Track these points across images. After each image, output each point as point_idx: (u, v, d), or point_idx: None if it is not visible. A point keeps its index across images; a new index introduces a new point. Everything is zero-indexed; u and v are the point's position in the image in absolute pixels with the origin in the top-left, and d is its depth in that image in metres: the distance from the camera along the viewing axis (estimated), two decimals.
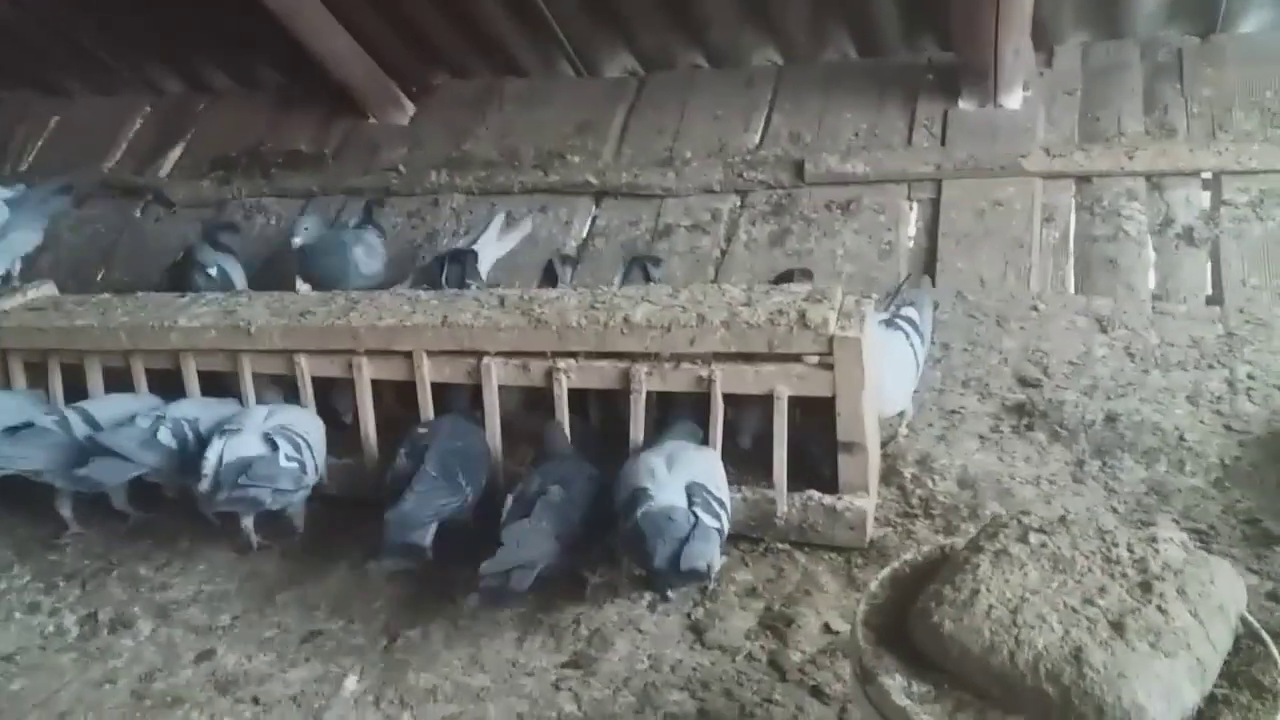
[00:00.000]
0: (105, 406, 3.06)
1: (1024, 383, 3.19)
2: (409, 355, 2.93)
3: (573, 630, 2.47)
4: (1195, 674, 1.46)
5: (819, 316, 2.56)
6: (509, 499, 2.57)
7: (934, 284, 3.66)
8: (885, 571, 1.84)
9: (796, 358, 2.60)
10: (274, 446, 2.77)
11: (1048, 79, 4.19)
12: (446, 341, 2.89)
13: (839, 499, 2.64)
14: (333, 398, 3.09)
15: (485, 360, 2.86)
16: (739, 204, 4.23)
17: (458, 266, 3.82)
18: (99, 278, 4.92)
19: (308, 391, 3.06)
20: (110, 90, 5.90)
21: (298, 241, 4.03)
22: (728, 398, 2.68)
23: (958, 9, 3.94)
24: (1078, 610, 1.54)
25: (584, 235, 4.36)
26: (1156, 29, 4.15)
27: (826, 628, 2.39)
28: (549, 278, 3.78)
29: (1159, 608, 1.52)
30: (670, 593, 2.49)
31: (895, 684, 1.59)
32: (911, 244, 3.90)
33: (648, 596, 2.54)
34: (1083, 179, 3.83)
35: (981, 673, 1.53)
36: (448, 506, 2.64)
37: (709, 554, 2.32)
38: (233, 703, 2.40)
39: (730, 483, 2.66)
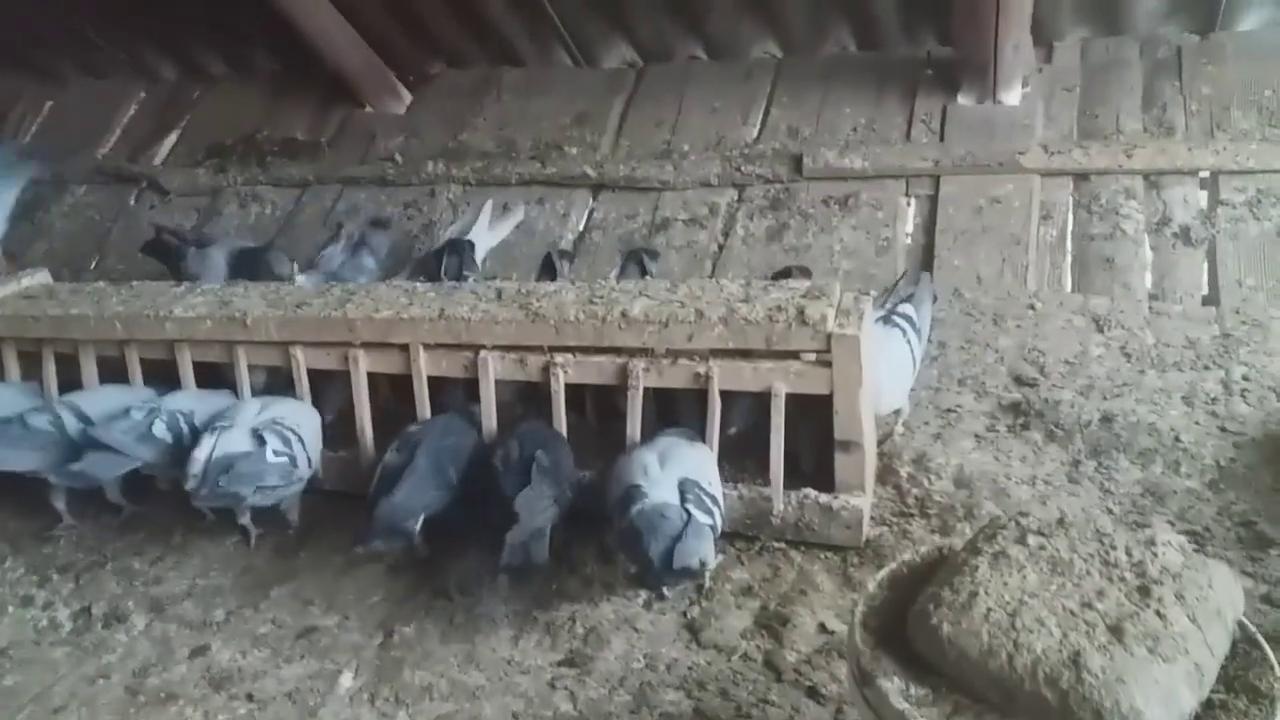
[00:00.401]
0: (98, 399, 3.04)
1: (1020, 382, 3.19)
2: (405, 348, 2.92)
3: (568, 628, 2.47)
4: (1193, 679, 1.46)
5: (817, 313, 2.56)
6: (496, 465, 2.60)
7: (930, 276, 3.65)
8: (883, 573, 1.84)
9: (794, 355, 2.60)
10: (261, 442, 2.76)
11: (1047, 75, 4.18)
12: (443, 335, 2.87)
13: (835, 498, 2.64)
14: (321, 395, 3.08)
15: (482, 354, 2.85)
16: (737, 198, 4.22)
17: (455, 257, 3.80)
18: (93, 265, 4.90)
19: (303, 384, 3.05)
20: (105, 75, 5.87)
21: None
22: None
23: (958, 4, 3.93)
24: (1076, 614, 1.54)
25: (581, 228, 4.34)
26: (1156, 26, 4.15)
27: (822, 627, 2.39)
28: (547, 271, 3.76)
29: (1157, 612, 1.52)
30: (665, 590, 2.49)
31: (893, 686, 1.59)
32: (909, 240, 3.89)
33: (643, 594, 2.54)
34: (1081, 177, 3.83)
35: (980, 676, 1.53)
36: (439, 499, 2.65)
37: (702, 551, 2.32)
38: (227, 699, 2.39)
39: (726, 480, 2.66)
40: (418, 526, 2.61)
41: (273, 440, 2.79)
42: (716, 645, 2.39)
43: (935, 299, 3.32)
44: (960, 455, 2.92)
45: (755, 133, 4.40)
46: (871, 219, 3.95)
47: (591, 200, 4.43)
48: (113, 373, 3.23)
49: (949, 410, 3.12)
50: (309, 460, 2.89)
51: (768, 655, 2.34)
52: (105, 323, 3.16)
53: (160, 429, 2.81)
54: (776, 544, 2.69)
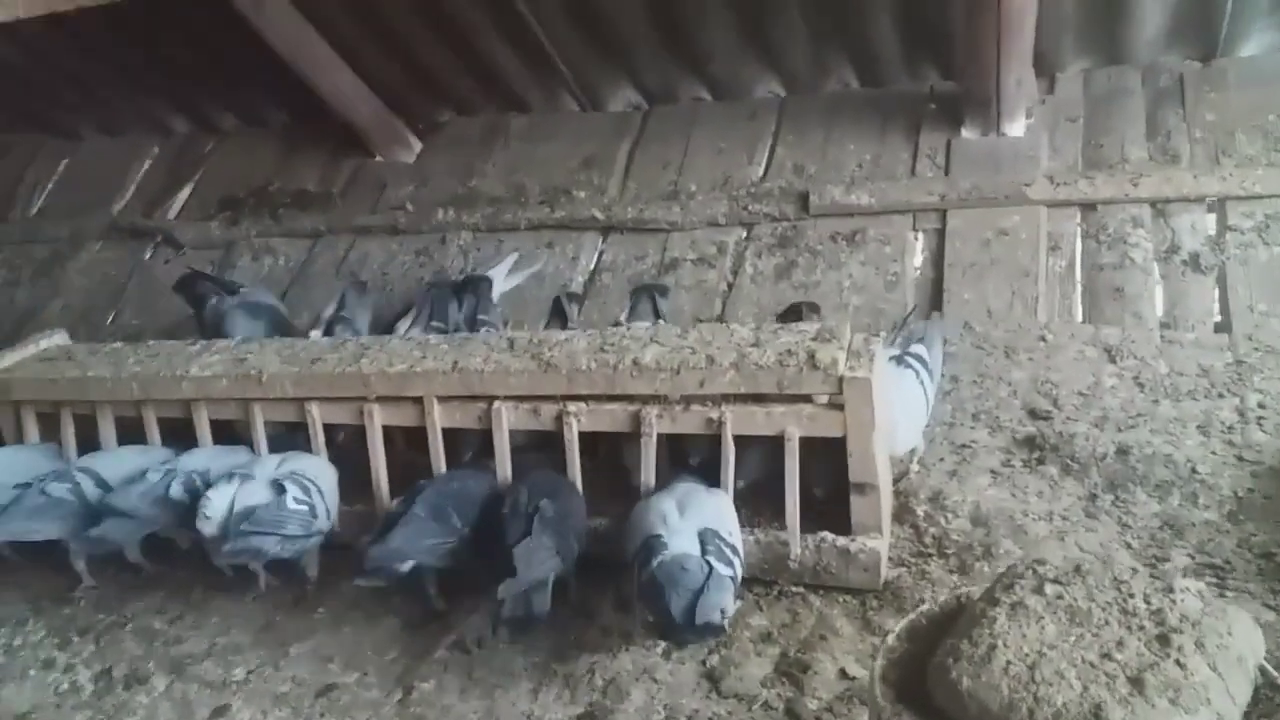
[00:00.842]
0: (115, 463, 3.06)
1: (1034, 415, 3.18)
2: (420, 401, 2.94)
3: (588, 680, 2.47)
4: None
5: (828, 357, 2.57)
6: (504, 513, 2.60)
7: (941, 314, 3.66)
8: (902, 624, 1.83)
9: (806, 398, 2.61)
10: (281, 490, 2.78)
11: (1050, 106, 4.20)
12: (457, 387, 2.90)
13: (852, 540, 2.63)
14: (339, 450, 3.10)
15: (496, 405, 2.87)
16: (744, 236, 4.24)
17: (474, 298, 3.84)
18: (109, 321, 4.95)
19: (319, 439, 3.07)
20: (118, 132, 5.95)
21: None
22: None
23: (960, 38, 3.96)
24: (1096, 665, 1.54)
25: (591, 270, 4.37)
26: (1157, 54, 4.16)
27: (843, 673, 2.38)
28: (557, 315, 3.79)
29: (1177, 662, 1.52)
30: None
31: None
32: (918, 274, 3.90)
33: (662, 644, 2.53)
34: (1087, 207, 3.83)
35: None
36: (438, 546, 2.64)
37: (724, 603, 2.31)
38: None
39: (742, 525, 2.66)
40: (406, 569, 2.60)
41: (293, 489, 2.81)
42: (737, 694, 2.38)
43: (946, 341, 3.33)
44: (976, 492, 2.91)
45: (761, 171, 4.43)
46: (880, 254, 3.97)
47: (600, 242, 4.46)
48: (131, 432, 3.26)
49: (963, 446, 3.11)
50: (327, 512, 2.91)
51: (789, 704, 2.33)
52: (123, 383, 3.19)
53: (177, 490, 2.83)
54: (795, 588, 2.68)
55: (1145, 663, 1.52)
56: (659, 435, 2.75)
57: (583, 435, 2.83)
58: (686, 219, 4.33)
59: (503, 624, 2.48)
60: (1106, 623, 1.61)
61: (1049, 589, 1.69)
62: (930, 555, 2.72)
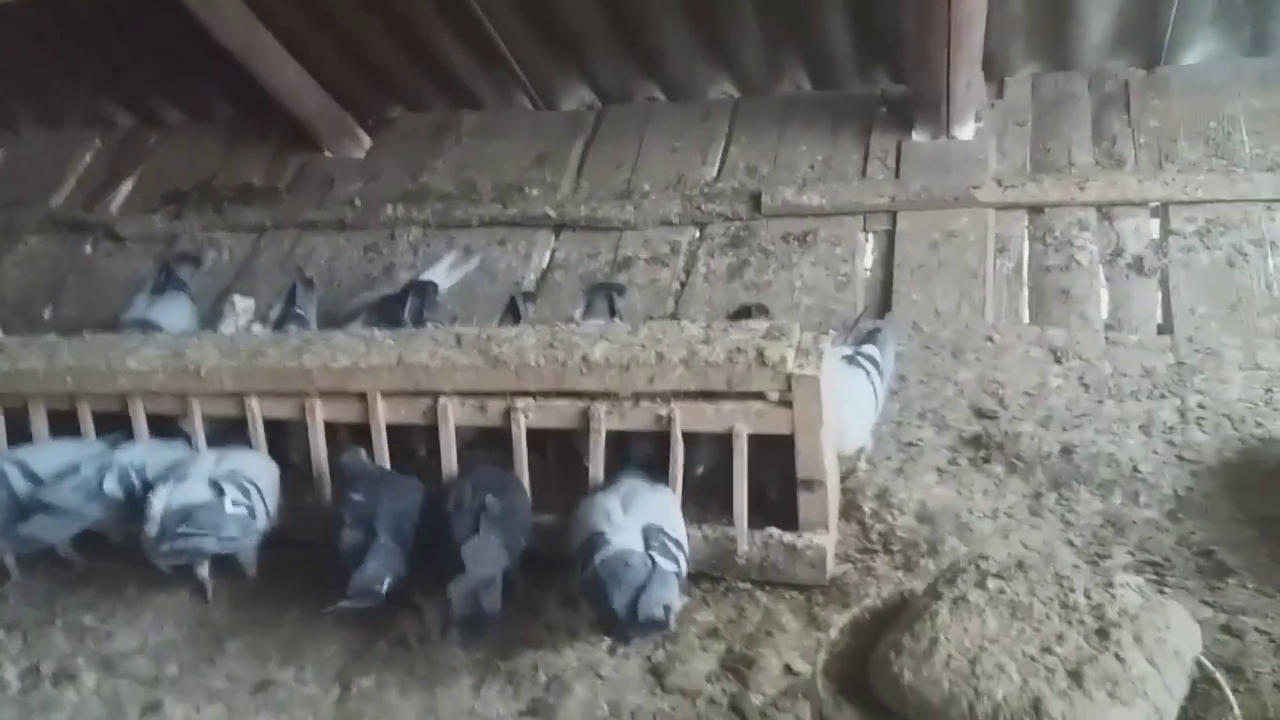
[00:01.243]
0: (47, 456, 2.96)
1: (980, 414, 3.20)
2: (363, 396, 2.89)
3: (531, 676, 2.44)
4: None
5: (777, 354, 2.56)
6: (448, 512, 2.57)
7: (893, 315, 3.67)
8: (845, 618, 1.84)
9: (756, 395, 2.60)
10: (220, 493, 2.71)
11: (999, 110, 4.24)
12: (402, 382, 2.85)
13: (799, 536, 2.63)
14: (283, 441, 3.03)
15: (442, 400, 2.83)
16: (697, 236, 4.23)
17: (418, 299, 3.80)
18: (46, 315, 4.82)
19: (259, 434, 3.00)
20: (58, 124, 5.80)
21: None
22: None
23: (910, 41, 3.99)
24: (1036, 659, 1.54)
25: (543, 268, 4.34)
26: (1104, 60, 4.23)
27: (788, 669, 2.37)
28: (511, 313, 3.75)
29: (1116, 655, 1.53)
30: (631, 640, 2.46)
31: None
32: (868, 275, 3.92)
33: (607, 640, 2.50)
34: (1035, 209, 3.88)
35: None
36: (403, 562, 2.61)
37: (667, 598, 2.30)
38: None
39: (689, 520, 2.64)
40: (385, 588, 2.56)
41: (231, 491, 2.74)
42: (681, 690, 2.36)
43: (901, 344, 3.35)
44: (923, 490, 2.92)
45: (714, 172, 4.43)
46: (830, 255, 3.98)
47: (553, 240, 4.42)
48: (65, 426, 3.16)
49: (910, 444, 3.12)
50: (267, 512, 2.84)
51: (733, 699, 2.32)
52: (56, 376, 3.10)
53: (112, 484, 2.75)
54: (742, 584, 2.67)
55: (1084, 656, 1.53)
56: (608, 432, 2.72)
57: (535, 432, 2.80)
58: (640, 218, 4.31)
59: (453, 624, 2.44)
60: (1047, 617, 1.62)
61: (991, 583, 1.70)
62: (876, 551, 2.73)
